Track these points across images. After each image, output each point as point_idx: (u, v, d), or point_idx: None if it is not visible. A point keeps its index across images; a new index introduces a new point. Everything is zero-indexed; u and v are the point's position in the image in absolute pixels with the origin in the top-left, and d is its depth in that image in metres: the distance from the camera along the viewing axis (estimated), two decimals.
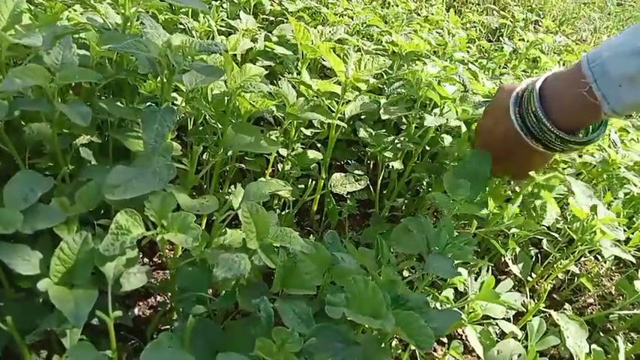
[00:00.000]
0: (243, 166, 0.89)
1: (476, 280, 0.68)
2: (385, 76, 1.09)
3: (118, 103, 0.71)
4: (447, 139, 1.00)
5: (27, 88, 0.66)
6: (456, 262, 0.65)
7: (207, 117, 0.86)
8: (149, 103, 0.71)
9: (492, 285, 0.63)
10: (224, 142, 0.73)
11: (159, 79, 0.74)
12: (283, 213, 0.90)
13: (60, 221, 0.56)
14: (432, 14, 1.75)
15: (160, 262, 0.87)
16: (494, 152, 0.76)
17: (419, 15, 1.71)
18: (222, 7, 1.29)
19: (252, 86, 0.74)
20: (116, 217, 0.55)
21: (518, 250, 0.86)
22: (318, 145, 1.08)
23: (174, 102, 0.81)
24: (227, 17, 1.19)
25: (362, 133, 0.83)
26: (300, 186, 1.03)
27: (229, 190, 0.92)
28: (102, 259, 0.54)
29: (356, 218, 1.11)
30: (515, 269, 0.84)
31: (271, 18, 1.33)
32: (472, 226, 0.79)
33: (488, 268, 0.67)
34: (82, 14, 0.99)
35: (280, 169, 0.97)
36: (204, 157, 0.92)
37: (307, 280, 0.61)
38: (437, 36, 1.40)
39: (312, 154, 0.90)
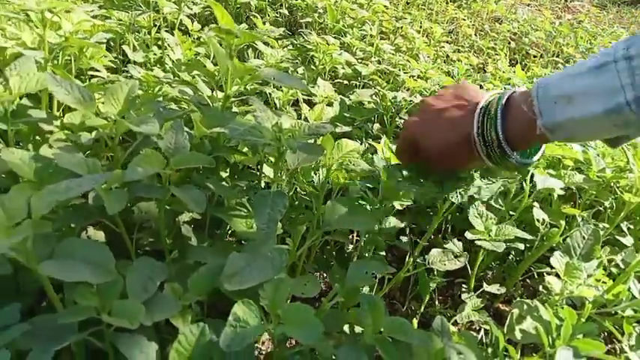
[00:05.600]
0: (330, 238, 0.87)
1: None
2: None
3: (224, 183, 0.72)
4: (537, 211, 0.96)
5: None
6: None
7: (297, 190, 0.86)
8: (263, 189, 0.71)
9: None
10: (325, 219, 0.72)
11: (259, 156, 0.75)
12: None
13: (177, 311, 0.56)
14: (498, 69, 1.74)
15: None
16: (430, 135, 0.67)
17: (485, 70, 1.70)
18: (297, 72, 1.32)
19: (350, 163, 0.74)
20: (234, 308, 0.54)
21: (634, 334, 0.79)
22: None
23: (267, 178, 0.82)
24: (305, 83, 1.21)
25: (475, 221, 0.80)
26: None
27: (314, 266, 0.91)
28: (221, 354, 0.53)
29: (439, 288, 1.06)
30: (635, 358, 0.77)
31: (345, 81, 1.35)
32: (585, 309, 0.73)
33: None
34: (172, 86, 1.03)
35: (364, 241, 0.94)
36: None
37: None
38: None
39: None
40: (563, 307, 0.71)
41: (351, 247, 1.00)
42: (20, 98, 0.77)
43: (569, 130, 0.56)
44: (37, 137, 0.82)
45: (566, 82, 0.55)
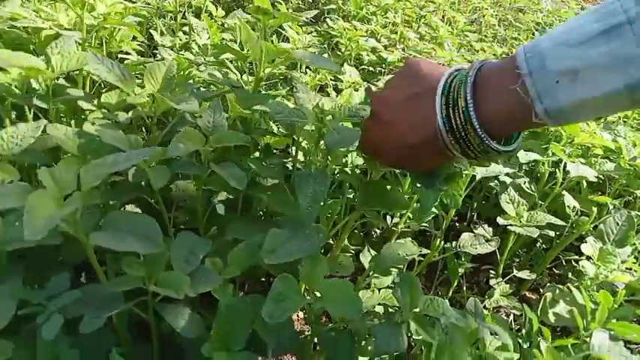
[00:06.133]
0: (362, 219, 0.88)
1: None
2: None
3: (263, 163, 0.73)
4: (568, 198, 0.95)
5: None
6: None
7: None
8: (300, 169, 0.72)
9: None
10: (357, 201, 0.72)
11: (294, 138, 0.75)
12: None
13: (218, 284, 0.57)
14: None
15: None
16: (391, 134, 0.55)
17: None
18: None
19: None
20: (275, 282, 0.55)
21: None
22: None
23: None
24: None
25: (506, 207, 0.80)
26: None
27: (348, 245, 0.91)
28: (263, 325, 0.54)
29: (466, 274, 1.06)
30: None
31: (370, 68, 1.35)
32: (619, 295, 0.73)
33: None
34: (200, 70, 1.04)
35: (393, 222, 0.95)
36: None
37: (458, 355, 0.58)
38: None
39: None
40: (595, 293, 0.71)
41: (378, 231, 1.01)
42: (57, 79, 0.79)
43: (575, 114, 0.44)
44: (75, 116, 0.84)
45: (565, 52, 0.43)
